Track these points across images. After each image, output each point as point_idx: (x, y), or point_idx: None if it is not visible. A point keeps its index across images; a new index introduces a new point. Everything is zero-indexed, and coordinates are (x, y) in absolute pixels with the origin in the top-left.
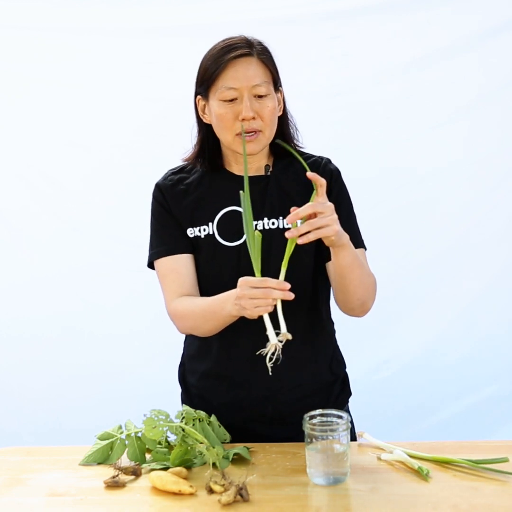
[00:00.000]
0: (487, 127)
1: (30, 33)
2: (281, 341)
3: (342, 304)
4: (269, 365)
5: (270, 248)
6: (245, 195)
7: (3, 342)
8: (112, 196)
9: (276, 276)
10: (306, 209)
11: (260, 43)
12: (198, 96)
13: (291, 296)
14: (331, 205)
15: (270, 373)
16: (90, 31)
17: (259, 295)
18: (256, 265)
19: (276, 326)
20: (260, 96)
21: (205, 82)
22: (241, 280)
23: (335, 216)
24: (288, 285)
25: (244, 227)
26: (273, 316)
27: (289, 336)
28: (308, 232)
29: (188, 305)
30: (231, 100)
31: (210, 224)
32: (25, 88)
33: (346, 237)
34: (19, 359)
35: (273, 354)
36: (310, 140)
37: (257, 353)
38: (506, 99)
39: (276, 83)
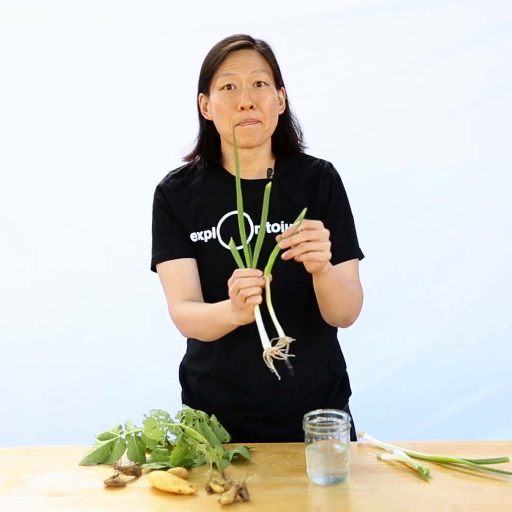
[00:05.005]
0: (487, 128)
1: (30, 33)
2: (283, 348)
3: (325, 317)
4: (271, 368)
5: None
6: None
7: (4, 343)
8: (114, 196)
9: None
10: (300, 236)
11: (262, 41)
12: (200, 94)
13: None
14: (326, 232)
15: (290, 373)
16: (91, 31)
17: (247, 283)
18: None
19: (274, 334)
20: (259, 85)
21: (206, 75)
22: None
23: (329, 243)
24: (260, 272)
25: (244, 231)
26: (269, 325)
27: (288, 340)
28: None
29: (190, 311)
30: (230, 88)
31: (213, 228)
32: (25, 89)
33: (328, 265)
34: (20, 360)
35: (278, 357)
36: (310, 139)
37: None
38: (506, 99)
39: (278, 80)
